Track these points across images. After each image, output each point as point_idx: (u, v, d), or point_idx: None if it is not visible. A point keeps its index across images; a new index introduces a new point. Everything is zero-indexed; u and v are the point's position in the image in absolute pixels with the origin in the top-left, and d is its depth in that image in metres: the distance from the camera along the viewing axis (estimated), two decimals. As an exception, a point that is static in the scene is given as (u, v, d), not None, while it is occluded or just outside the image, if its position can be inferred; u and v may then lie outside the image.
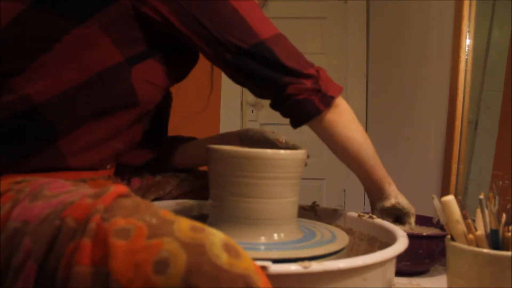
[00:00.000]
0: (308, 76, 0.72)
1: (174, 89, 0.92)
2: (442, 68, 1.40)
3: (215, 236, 0.43)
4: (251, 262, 0.44)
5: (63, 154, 0.64)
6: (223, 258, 0.42)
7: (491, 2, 1.31)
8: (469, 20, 1.28)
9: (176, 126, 1.06)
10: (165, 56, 0.70)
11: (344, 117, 0.77)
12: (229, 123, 2.34)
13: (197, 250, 0.41)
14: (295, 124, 0.77)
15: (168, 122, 0.99)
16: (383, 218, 0.86)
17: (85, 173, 0.69)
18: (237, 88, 2.40)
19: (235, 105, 2.41)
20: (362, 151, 0.79)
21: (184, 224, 0.44)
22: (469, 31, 1.28)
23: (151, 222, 0.44)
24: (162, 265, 0.40)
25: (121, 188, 0.49)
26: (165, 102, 0.93)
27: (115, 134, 0.69)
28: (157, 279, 0.40)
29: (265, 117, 2.35)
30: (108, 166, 0.75)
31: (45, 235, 0.45)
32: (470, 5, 1.27)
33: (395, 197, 0.84)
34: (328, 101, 0.74)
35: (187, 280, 0.40)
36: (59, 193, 0.51)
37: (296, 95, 0.72)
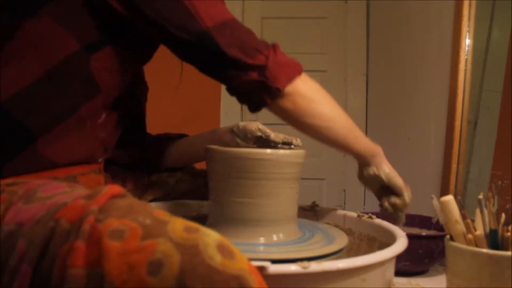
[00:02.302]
0: (253, 67, 0.69)
1: (173, 89, 0.92)
2: (442, 68, 1.39)
3: (209, 237, 0.43)
4: (246, 262, 0.44)
5: (43, 153, 0.63)
6: (217, 259, 0.41)
7: (491, 2, 1.31)
8: (469, 20, 1.28)
9: (176, 126, 1.06)
10: (124, 41, 0.67)
11: (299, 105, 0.73)
12: (229, 123, 2.31)
13: (191, 251, 0.41)
14: (250, 111, 0.75)
15: (145, 113, 0.98)
16: (369, 185, 0.87)
17: (74, 169, 0.67)
18: (237, 88, 2.40)
19: (235, 105, 2.41)
20: (326, 134, 0.76)
21: (178, 225, 0.44)
22: (469, 31, 1.28)
23: (145, 222, 0.43)
24: (155, 267, 0.40)
25: (115, 188, 0.48)
26: (139, 92, 0.92)
27: (87, 124, 0.67)
28: (150, 281, 0.40)
29: (265, 117, 2.34)
30: (100, 160, 0.73)
31: (39, 237, 0.45)
32: (470, 5, 1.27)
33: (377, 167, 0.84)
34: (274, 94, 0.71)
35: (180, 282, 0.40)
36: (53, 194, 0.50)
37: (242, 88, 0.71)
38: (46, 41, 0.62)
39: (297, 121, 0.75)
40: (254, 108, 0.74)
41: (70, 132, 0.65)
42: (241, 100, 0.74)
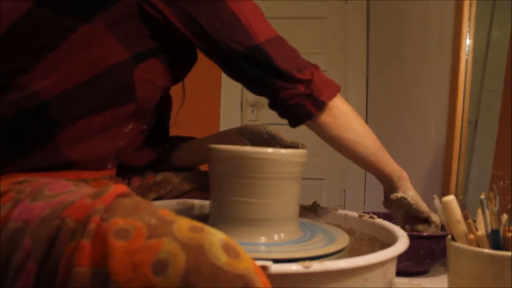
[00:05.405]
0: (301, 81, 0.73)
1: (173, 89, 0.92)
2: (442, 68, 1.40)
3: (215, 237, 0.43)
4: (251, 262, 0.44)
5: (62, 148, 0.64)
6: (222, 259, 0.42)
7: (491, 2, 1.31)
8: (469, 20, 1.28)
9: (175, 126, 1.06)
10: (168, 56, 0.71)
11: (338, 119, 0.78)
12: (229, 123, 2.34)
13: (196, 250, 0.41)
14: (291, 125, 0.79)
15: (169, 125, 0.99)
16: (395, 212, 0.88)
17: (86, 173, 0.69)
18: (237, 88, 2.40)
19: (235, 105, 2.41)
20: (359, 149, 0.80)
21: (183, 224, 0.44)
22: (469, 31, 1.28)
23: (150, 222, 0.44)
24: (161, 266, 0.40)
25: (121, 187, 0.49)
26: (166, 105, 0.93)
27: (111, 129, 0.69)
28: (156, 280, 0.40)
29: (265, 117, 2.35)
30: (110, 166, 0.75)
31: (44, 235, 0.45)
32: (470, 5, 1.27)
33: (404, 191, 0.85)
34: (319, 106, 0.75)
35: (186, 281, 0.40)
36: (59, 193, 0.51)
37: (289, 100, 0.74)
38: (96, 47, 0.64)
39: (334, 135, 0.78)
40: (297, 121, 0.77)
41: (92, 135, 0.67)
42: (285, 113, 0.77)
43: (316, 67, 0.77)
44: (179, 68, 0.77)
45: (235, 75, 0.75)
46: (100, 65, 0.65)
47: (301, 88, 0.73)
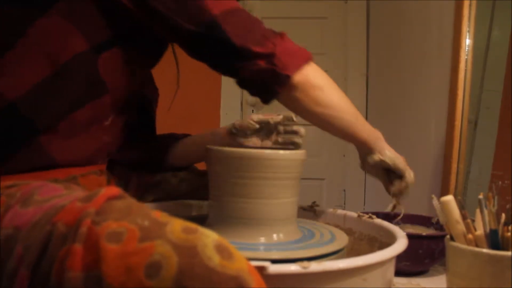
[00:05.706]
0: (261, 55, 0.67)
1: (173, 89, 0.92)
2: (442, 68, 1.39)
3: (208, 238, 0.43)
4: (245, 262, 0.43)
5: (46, 149, 0.63)
6: (215, 260, 0.41)
7: (491, 2, 1.31)
8: (469, 20, 1.28)
9: (176, 126, 1.06)
10: (132, 41, 0.68)
11: (309, 93, 0.71)
12: (229, 123, 2.33)
13: (189, 252, 0.41)
14: (263, 102, 0.74)
15: (155, 118, 0.98)
16: (375, 173, 0.85)
17: (75, 170, 0.68)
18: (237, 88, 2.39)
19: (235, 105, 2.41)
20: (334, 122, 0.75)
21: (177, 226, 0.44)
22: (469, 31, 1.28)
23: (143, 224, 0.43)
24: (154, 269, 0.40)
25: (113, 189, 0.48)
26: (150, 100, 0.92)
27: (94, 125, 0.68)
28: (149, 283, 0.40)
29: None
30: (100, 162, 0.74)
31: (36, 241, 0.45)
32: (470, 5, 1.27)
33: (380, 152, 0.81)
34: (284, 81, 0.69)
35: (179, 283, 0.40)
36: (50, 197, 0.50)
37: (252, 77, 0.69)
38: (55, 40, 0.62)
39: (307, 111, 0.73)
40: (265, 99, 0.73)
41: (75, 132, 0.66)
42: (252, 92, 0.72)
43: (281, 35, 0.70)
44: (148, 55, 0.74)
45: (195, 56, 0.70)
46: (61, 58, 0.62)
47: (262, 63, 0.67)
